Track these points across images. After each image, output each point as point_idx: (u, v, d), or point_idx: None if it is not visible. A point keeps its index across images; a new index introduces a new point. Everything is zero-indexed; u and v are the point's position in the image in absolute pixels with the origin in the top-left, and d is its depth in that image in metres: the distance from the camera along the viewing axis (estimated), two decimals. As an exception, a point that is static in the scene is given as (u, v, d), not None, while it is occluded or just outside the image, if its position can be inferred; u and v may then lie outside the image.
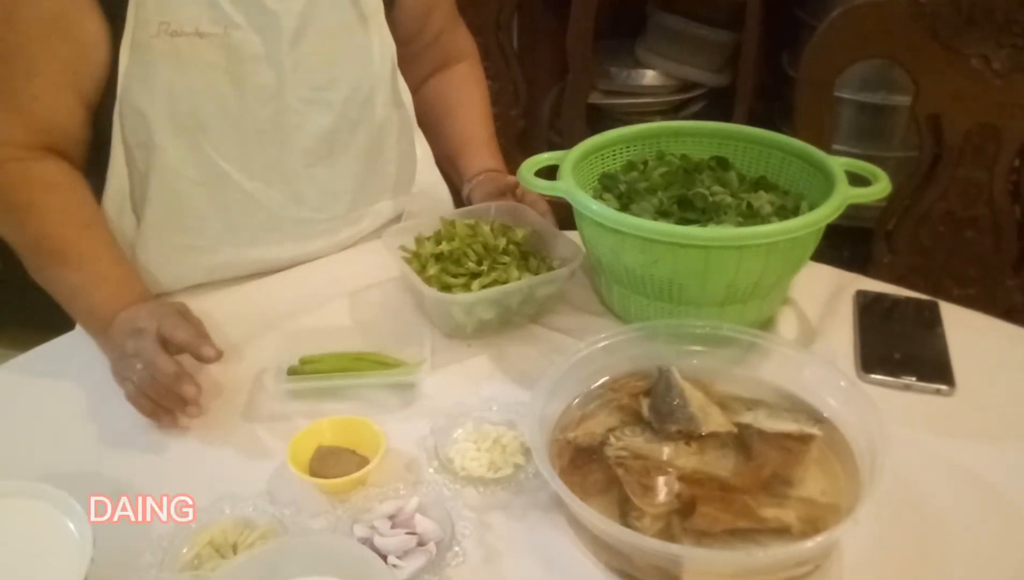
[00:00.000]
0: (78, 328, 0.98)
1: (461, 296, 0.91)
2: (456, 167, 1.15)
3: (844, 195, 0.87)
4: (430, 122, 1.18)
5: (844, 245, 1.31)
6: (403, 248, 0.99)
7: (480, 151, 1.14)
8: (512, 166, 1.04)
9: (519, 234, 0.99)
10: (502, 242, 0.97)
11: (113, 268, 0.93)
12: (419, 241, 1.00)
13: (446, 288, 0.93)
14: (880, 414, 0.71)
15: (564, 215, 0.98)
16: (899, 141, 1.85)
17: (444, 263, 0.95)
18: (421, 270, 0.95)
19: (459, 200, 1.17)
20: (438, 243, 0.98)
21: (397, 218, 1.17)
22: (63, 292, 0.93)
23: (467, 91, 1.20)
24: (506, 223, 1.02)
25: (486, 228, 0.99)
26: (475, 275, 0.94)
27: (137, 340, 0.83)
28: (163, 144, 0.95)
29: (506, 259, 0.96)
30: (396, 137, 1.11)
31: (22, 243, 0.93)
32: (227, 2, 0.91)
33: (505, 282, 0.92)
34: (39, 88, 0.90)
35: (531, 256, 0.98)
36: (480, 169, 1.12)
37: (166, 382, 0.80)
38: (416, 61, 1.15)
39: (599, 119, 2.04)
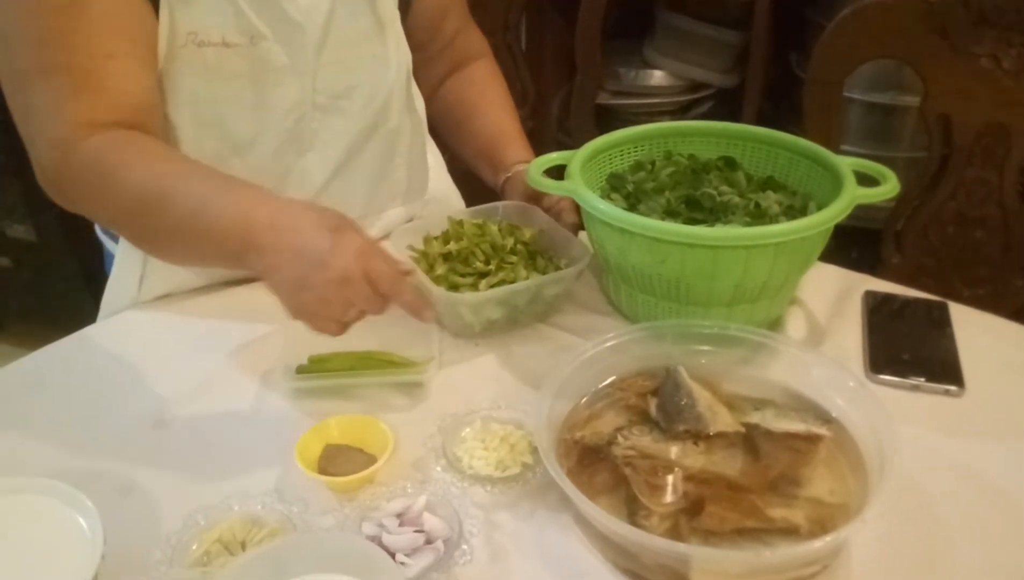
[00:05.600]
0: (90, 326, 0.98)
1: (469, 295, 0.91)
2: (489, 160, 1.13)
3: (852, 195, 0.87)
4: (455, 121, 1.18)
5: (852, 246, 1.31)
6: (411, 247, 0.99)
7: (513, 143, 1.13)
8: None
9: (527, 234, 0.99)
10: (510, 242, 0.97)
11: (218, 180, 0.83)
12: (427, 240, 1.00)
13: (454, 287, 0.93)
14: (889, 415, 0.71)
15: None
16: (908, 141, 1.85)
17: (452, 262, 0.96)
18: (429, 269, 0.95)
19: (469, 192, 1.16)
20: (446, 242, 0.98)
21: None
22: (189, 231, 0.81)
23: (489, 87, 1.19)
24: (514, 223, 1.02)
25: (494, 228, 0.99)
26: (483, 275, 0.94)
27: (344, 289, 0.74)
28: (187, 152, 0.96)
29: (514, 259, 0.96)
30: (408, 144, 1.11)
31: (127, 210, 0.85)
32: (253, 13, 0.91)
33: (513, 282, 0.92)
34: (118, 67, 0.87)
35: (539, 256, 0.98)
36: (515, 160, 1.10)
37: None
38: (430, 65, 1.16)
39: (607, 119, 2.04)
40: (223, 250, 0.80)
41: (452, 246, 0.97)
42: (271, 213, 0.77)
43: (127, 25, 0.88)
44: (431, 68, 1.16)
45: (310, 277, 0.74)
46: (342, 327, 0.78)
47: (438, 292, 0.90)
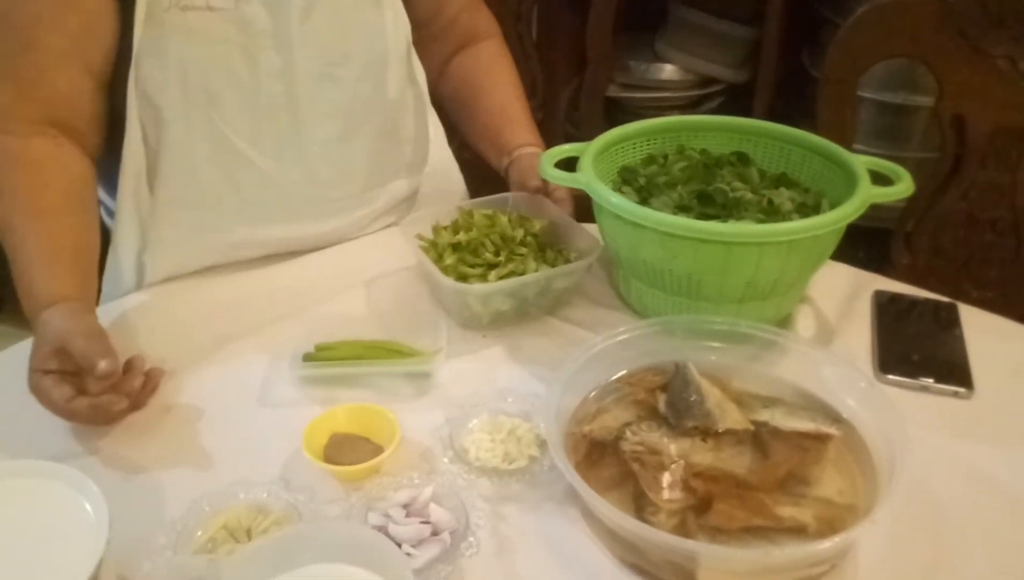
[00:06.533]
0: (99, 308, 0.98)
1: (478, 287, 0.91)
2: (494, 142, 1.12)
3: (867, 194, 0.86)
4: (461, 100, 1.17)
5: (860, 245, 1.31)
6: (420, 237, 0.99)
7: (519, 125, 1.12)
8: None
9: (537, 225, 0.99)
10: (519, 233, 0.97)
11: (46, 265, 0.87)
12: (436, 230, 0.99)
13: (463, 278, 0.92)
14: (899, 416, 0.70)
15: (584, 207, 0.98)
16: (918, 142, 1.84)
17: (461, 253, 0.95)
18: (438, 259, 0.95)
19: (477, 182, 1.16)
20: (455, 233, 0.98)
21: (412, 197, 1.16)
22: (13, 273, 0.88)
23: (497, 67, 1.18)
24: (524, 214, 1.02)
25: (504, 219, 0.99)
26: (492, 266, 0.94)
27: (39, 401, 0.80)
28: (175, 119, 0.95)
29: (523, 250, 0.96)
30: (412, 117, 1.11)
31: None
32: None
33: (522, 273, 0.92)
34: (42, 60, 0.90)
35: (548, 248, 0.98)
36: (520, 142, 1.09)
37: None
38: (436, 42, 1.15)
39: (617, 112, 2.04)
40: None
41: (462, 236, 0.96)
42: (44, 314, 0.83)
43: (65, 19, 0.89)
44: (438, 46, 1.16)
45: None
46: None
47: (447, 282, 0.90)
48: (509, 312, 0.93)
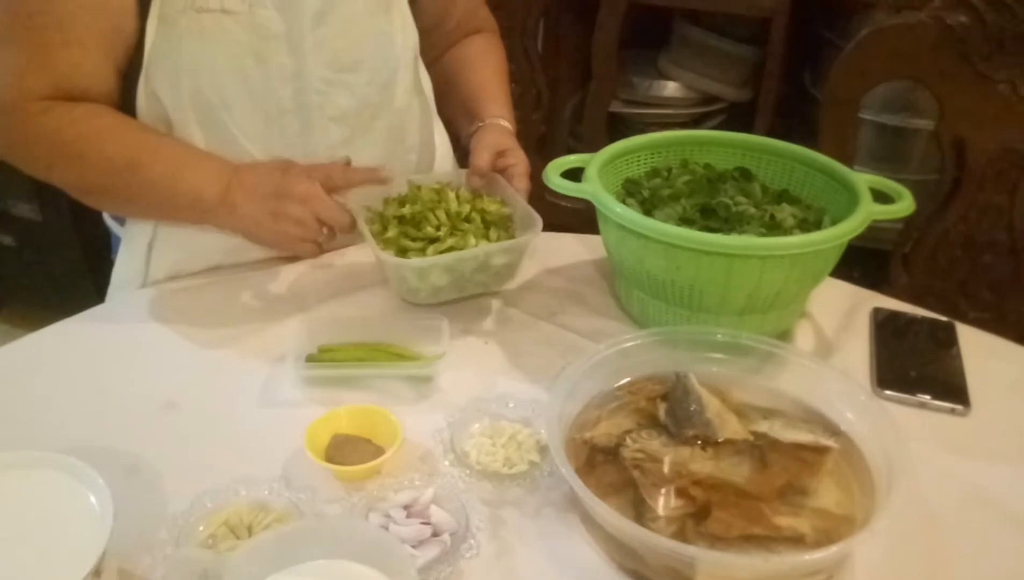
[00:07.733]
0: (98, 306, 0.98)
1: (415, 261, 0.91)
2: (468, 113, 1.13)
3: (869, 211, 0.87)
4: (447, 79, 1.18)
5: (855, 265, 1.32)
6: (368, 208, 0.99)
7: (495, 100, 1.13)
8: (531, 169, 1.04)
9: (488, 204, 0.98)
10: (466, 209, 0.97)
11: (190, 149, 0.97)
12: (386, 202, 1.00)
13: (403, 251, 0.93)
14: (899, 430, 0.71)
15: (586, 218, 0.99)
16: (916, 164, 1.85)
17: (405, 226, 0.95)
18: (382, 232, 0.95)
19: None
20: (402, 205, 0.98)
21: None
22: (157, 195, 0.96)
23: (485, 50, 1.20)
24: (478, 191, 1.01)
25: (451, 194, 0.98)
26: (433, 240, 0.94)
27: (309, 205, 0.92)
28: (185, 120, 0.96)
29: (466, 226, 0.95)
30: (418, 126, 1.12)
31: (90, 177, 0.94)
32: None
33: (462, 249, 0.92)
34: (75, 55, 0.91)
35: (494, 226, 0.97)
36: (491, 115, 1.10)
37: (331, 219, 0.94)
38: (436, 45, 1.17)
39: (619, 128, 2.05)
40: (194, 210, 0.96)
41: (407, 209, 0.96)
42: (238, 173, 0.94)
43: (96, 17, 0.90)
44: (436, 45, 1.17)
45: (280, 208, 0.93)
46: (318, 247, 0.97)
47: (384, 256, 0.91)
48: (447, 287, 0.94)
